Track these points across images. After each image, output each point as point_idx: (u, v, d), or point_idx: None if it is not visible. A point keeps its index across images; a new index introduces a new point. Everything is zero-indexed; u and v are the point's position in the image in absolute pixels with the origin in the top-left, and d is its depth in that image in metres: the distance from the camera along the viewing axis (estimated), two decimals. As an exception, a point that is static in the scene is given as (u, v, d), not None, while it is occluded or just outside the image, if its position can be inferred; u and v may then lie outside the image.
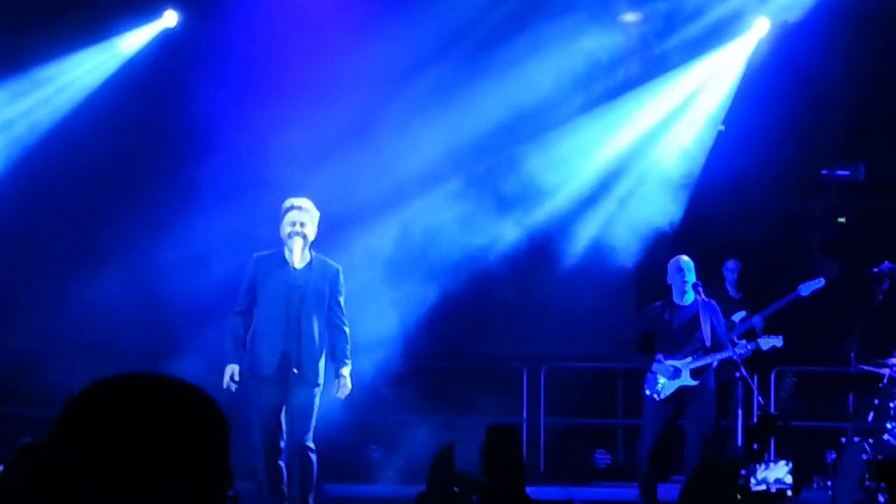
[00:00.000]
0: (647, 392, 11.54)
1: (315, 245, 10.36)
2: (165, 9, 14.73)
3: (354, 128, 13.85)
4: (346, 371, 10.20)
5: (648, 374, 11.55)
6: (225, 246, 13.11)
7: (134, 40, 14.79)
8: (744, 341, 11.76)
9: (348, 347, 10.27)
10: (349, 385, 10.22)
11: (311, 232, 10.25)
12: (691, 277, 11.54)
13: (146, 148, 14.70)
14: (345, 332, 10.28)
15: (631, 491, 12.10)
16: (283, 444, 10.11)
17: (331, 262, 10.39)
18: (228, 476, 2.24)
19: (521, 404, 14.69)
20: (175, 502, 2.17)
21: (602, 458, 14.73)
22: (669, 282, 11.69)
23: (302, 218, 10.21)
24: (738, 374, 11.91)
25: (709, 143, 14.71)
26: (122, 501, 2.14)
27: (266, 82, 14.02)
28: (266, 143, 13.79)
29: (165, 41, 14.81)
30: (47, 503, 2.17)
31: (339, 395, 10.27)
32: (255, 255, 10.42)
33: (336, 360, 10.22)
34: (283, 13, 13.99)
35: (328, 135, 13.71)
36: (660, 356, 11.47)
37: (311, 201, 10.33)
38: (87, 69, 14.76)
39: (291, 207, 10.26)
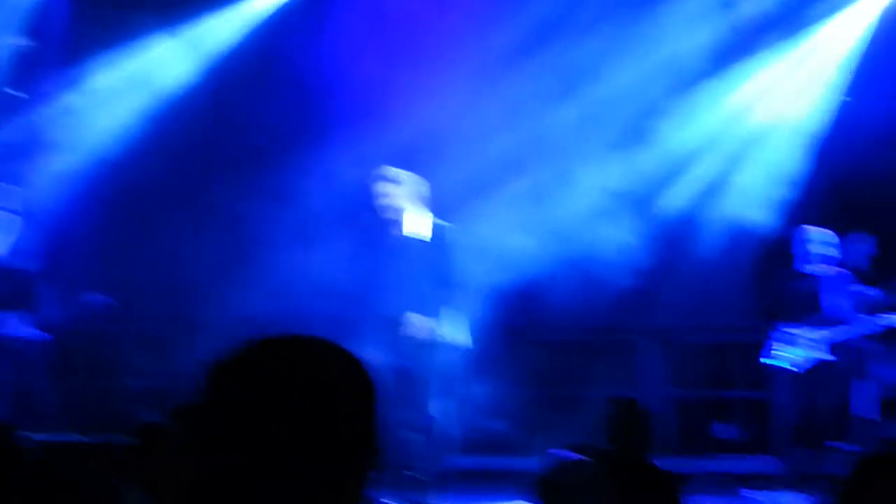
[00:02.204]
0: (775, 362, 11.40)
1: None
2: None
3: (462, 108, 13.83)
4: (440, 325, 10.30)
5: (771, 342, 11.39)
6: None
7: (250, 9, 14.93)
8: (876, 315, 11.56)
9: (458, 306, 10.30)
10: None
11: (413, 199, 10.36)
12: (821, 248, 11.37)
13: (259, 118, 14.79)
14: (454, 288, 10.34)
15: (753, 462, 11.98)
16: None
17: (437, 221, 10.54)
18: (376, 441, 2.25)
19: (637, 378, 14.58)
20: (326, 469, 2.18)
21: (722, 430, 14.59)
22: (796, 251, 11.54)
23: (399, 189, 10.35)
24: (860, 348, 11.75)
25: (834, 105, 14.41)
26: (274, 464, 2.14)
27: (403, 43, 14.04)
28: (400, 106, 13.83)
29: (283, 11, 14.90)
30: (202, 468, 2.18)
31: None
32: (364, 223, 10.59)
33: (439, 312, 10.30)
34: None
35: (437, 111, 13.72)
36: (783, 324, 11.32)
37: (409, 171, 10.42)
38: (204, 38, 14.91)
39: (386, 178, 10.41)
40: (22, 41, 14.69)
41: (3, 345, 12.62)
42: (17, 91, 14.80)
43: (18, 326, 12.87)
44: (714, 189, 14.21)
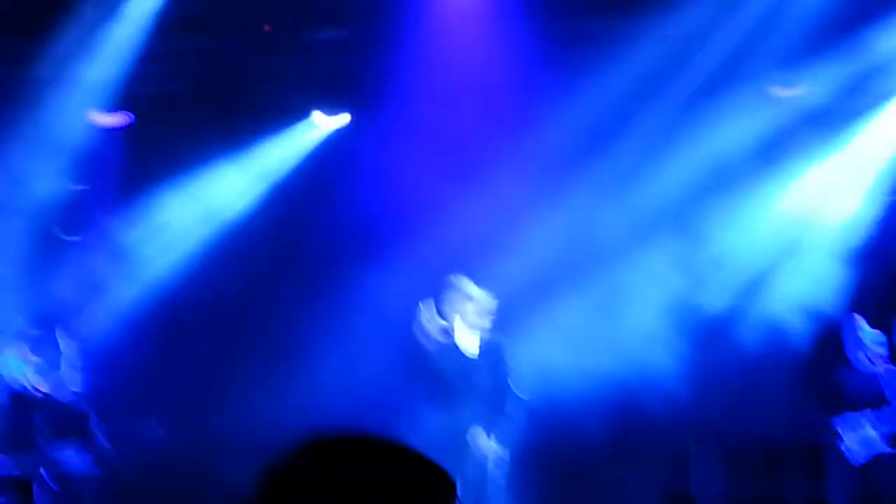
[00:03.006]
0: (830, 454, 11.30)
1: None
2: (325, 113, 15.13)
3: (512, 215, 13.94)
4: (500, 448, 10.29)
5: (830, 435, 11.29)
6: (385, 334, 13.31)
7: (299, 142, 15.21)
8: None
9: (516, 420, 10.32)
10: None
11: (477, 312, 10.39)
12: (873, 345, 11.32)
13: (304, 250, 14.95)
14: (513, 399, 10.36)
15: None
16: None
17: (494, 335, 10.52)
18: None
19: (688, 478, 14.46)
20: None
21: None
22: (847, 343, 11.47)
23: (467, 302, 10.36)
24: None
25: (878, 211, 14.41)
26: None
27: (452, 156, 14.17)
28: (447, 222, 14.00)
29: (326, 143, 15.16)
30: None
31: None
32: (422, 339, 10.58)
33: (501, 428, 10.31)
34: (467, 85, 14.14)
35: (486, 221, 13.84)
36: (840, 419, 11.25)
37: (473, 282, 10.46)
38: (246, 176, 15.18)
39: (454, 289, 10.41)
40: (75, 184, 14.97)
41: (59, 478, 12.76)
42: (69, 234, 15.06)
43: (74, 459, 13.02)
44: (762, 287, 14.19)
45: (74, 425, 13.33)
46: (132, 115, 14.82)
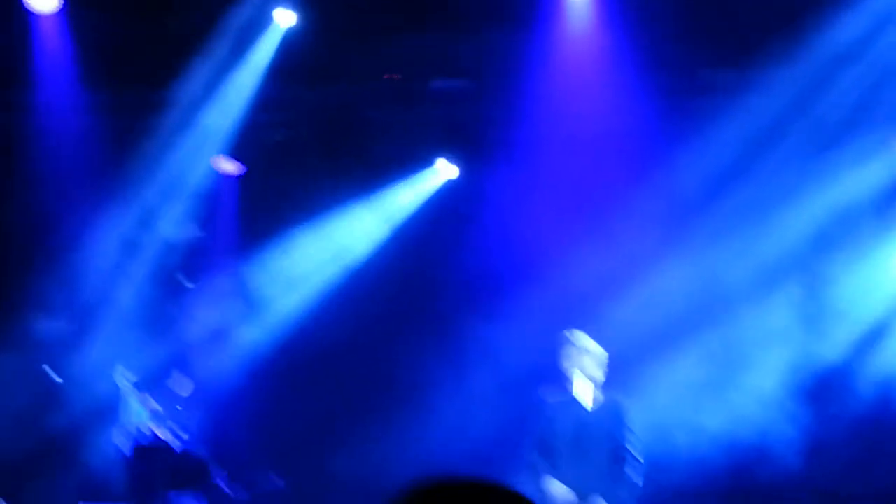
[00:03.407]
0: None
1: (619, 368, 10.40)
2: (443, 163, 15.15)
3: (632, 266, 13.84)
4: None
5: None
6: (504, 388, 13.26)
7: (414, 194, 15.25)
8: None
9: (634, 482, 10.19)
10: None
11: (595, 368, 10.28)
12: None
13: (425, 301, 14.96)
14: (630, 463, 10.21)
15: None
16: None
17: (615, 394, 10.40)
18: None
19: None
20: None
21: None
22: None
23: (585, 357, 10.26)
24: None
25: None
26: None
27: (573, 206, 14.11)
28: (546, 279, 13.92)
29: (443, 194, 15.19)
30: None
31: None
32: (547, 399, 10.48)
33: (619, 490, 10.17)
34: (555, 156, 14.11)
35: (606, 272, 13.76)
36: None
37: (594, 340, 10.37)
38: (369, 224, 15.24)
39: (573, 345, 10.32)
40: (198, 230, 15.15)
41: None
42: (191, 279, 15.23)
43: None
44: (885, 341, 13.95)
45: (196, 474, 13.44)
46: (251, 163, 14.96)
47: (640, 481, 10.32)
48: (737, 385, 13.73)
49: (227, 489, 13.56)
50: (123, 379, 13.04)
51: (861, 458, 13.96)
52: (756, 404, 13.64)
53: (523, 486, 10.15)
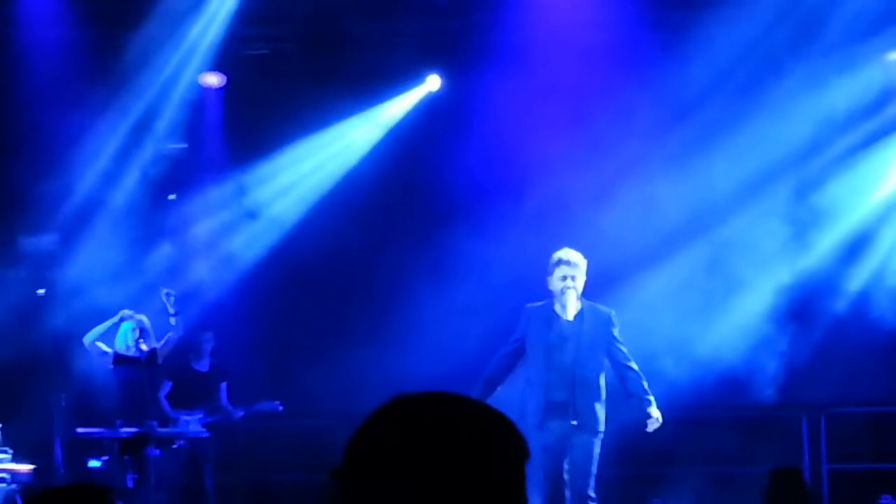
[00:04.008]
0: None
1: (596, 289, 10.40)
2: (429, 74, 15.11)
3: (621, 175, 13.86)
4: (652, 410, 10.19)
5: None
6: (490, 301, 13.30)
7: (400, 105, 15.23)
8: None
9: (644, 383, 10.26)
10: (659, 419, 10.21)
11: (581, 283, 10.30)
12: None
13: (411, 212, 14.98)
14: (633, 369, 10.29)
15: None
16: (567, 495, 10.14)
17: (602, 307, 10.43)
18: (519, 500, 2.18)
19: (801, 453, 14.34)
20: None
21: (888, 503, 14.30)
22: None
23: (572, 272, 10.26)
24: None
25: None
26: None
27: (531, 126, 14.05)
28: (534, 190, 13.94)
29: (430, 104, 15.16)
30: None
31: (649, 429, 10.27)
32: (526, 305, 10.52)
33: (635, 398, 10.24)
34: (542, 66, 14.06)
35: (595, 182, 13.78)
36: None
37: (580, 252, 10.38)
38: (358, 134, 15.24)
39: (560, 262, 10.30)
40: (181, 143, 15.15)
41: (178, 442, 13.01)
42: (172, 194, 15.27)
43: (194, 425, 13.24)
44: (879, 264, 14.01)
45: (195, 394, 13.57)
46: (235, 76, 14.92)
47: (643, 382, 10.29)
48: (724, 300, 13.78)
49: (226, 406, 13.69)
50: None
51: (863, 371, 14.13)
52: (743, 320, 13.71)
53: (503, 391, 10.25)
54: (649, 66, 13.99)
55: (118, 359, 12.81)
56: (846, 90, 13.84)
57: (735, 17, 13.69)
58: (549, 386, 10.09)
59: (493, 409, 2.23)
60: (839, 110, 13.90)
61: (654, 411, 10.18)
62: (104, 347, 12.86)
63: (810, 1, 13.77)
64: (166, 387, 13.60)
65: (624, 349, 10.30)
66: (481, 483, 2.13)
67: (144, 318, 12.91)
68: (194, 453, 13.32)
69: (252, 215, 15.15)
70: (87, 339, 12.88)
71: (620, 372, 10.26)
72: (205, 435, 13.27)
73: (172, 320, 12.89)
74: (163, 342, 12.99)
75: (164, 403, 13.51)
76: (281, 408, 13.63)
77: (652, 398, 10.22)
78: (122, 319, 12.88)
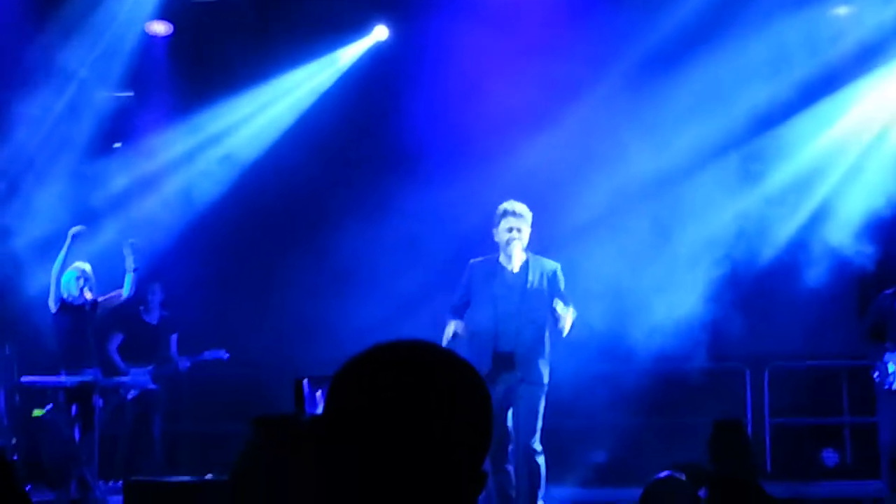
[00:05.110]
0: (879, 382, 11.27)
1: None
2: (376, 24, 15.06)
3: (569, 128, 13.86)
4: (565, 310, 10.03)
5: (879, 364, 11.27)
6: (434, 249, 13.33)
7: (347, 55, 15.17)
8: None
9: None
10: (568, 320, 10.05)
11: (527, 235, 10.30)
12: None
13: (359, 160, 14.95)
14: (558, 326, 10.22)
15: (861, 487, 11.84)
16: (510, 448, 10.17)
17: (547, 260, 10.42)
18: (486, 449, 2.23)
19: (744, 405, 14.48)
20: (438, 474, 2.17)
21: (830, 456, 14.47)
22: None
23: (518, 224, 10.24)
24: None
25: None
26: (385, 472, 2.15)
27: (476, 89, 14.03)
28: (479, 141, 13.93)
29: (377, 54, 15.11)
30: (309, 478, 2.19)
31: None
32: (470, 261, 10.52)
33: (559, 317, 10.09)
34: (491, 18, 13.99)
35: (539, 140, 13.79)
36: (890, 345, 11.21)
37: (525, 205, 10.37)
38: (305, 83, 15.18)
39: (506, 213, 10.28)
40: (121, 93, 15.06)
41: (130, 393, 13.01)
42: (118, 142, 15.17)
43: (142, 377, 13.23)
44: (818, 217, 14.08)
45: (143, 346, 13.55)
46: (184, 24, 14.82)
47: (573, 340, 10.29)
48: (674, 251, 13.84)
49: (175, 356, 13.69)
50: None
51: (805, 325, 14.26)
52: (694, 273, 13.76)
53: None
54: (599, 21, 13.91)
55: (63, 306, 12.72)
56: (796, 46, 13.86)
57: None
58: (497, 337, 10.10)
59: (464, 359, 2.28)
60: (791, 63, 13.90)
61: (565, 312, 10.03)
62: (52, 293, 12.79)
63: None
64: (116, 339, 13.58)
65: (567, 302, 10.24)
66: (458, 431, 2.18)
67: (87, 267, 12.81)
68: (143, 404, 13.34)
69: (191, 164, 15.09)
70: (54, 270, 12.74)
71: (557, 318, 10.19)
72: (152, 387, 13.27)
73: (128, 277, 12.77)
74: (107, 297, 12.87)
75: (116, 356, 13.50)
76: (227, 356, 13.64)
77: (570, 307, 10.09)
78: (73, 238, 12.72)
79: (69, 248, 12.63)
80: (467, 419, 2.19)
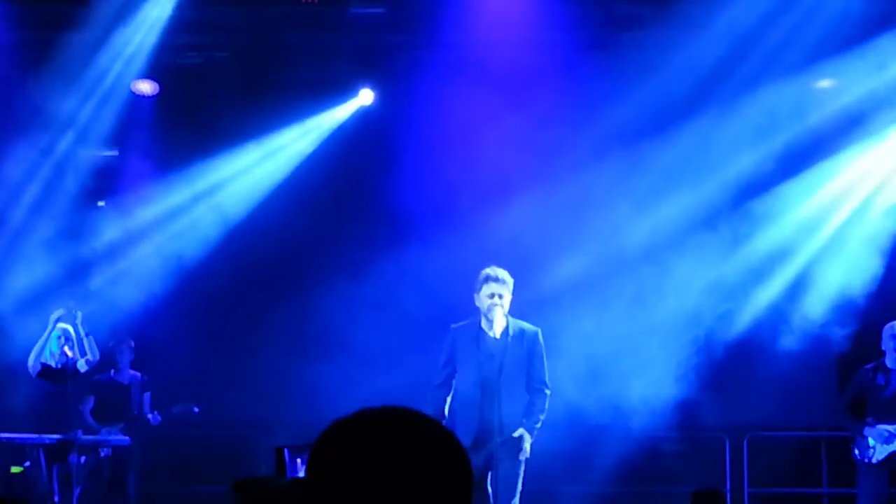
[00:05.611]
0: (858, 456, 11.30)
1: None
2: (362, 87, 15.10)
3: (550, 194, 13.90)
4: (525, 440, 10.15)
5: (859, 438, 11.31)
6: (419, 316, 13.31)
7: (332, 118, 15.20)
8: None
9: (541, 413, 10.24)
10: (526, 453, 10.19)
11: (508, 301, 10.32)
12: None
13: (341, 223, 14.95)
14: (542, 393, 10.30)
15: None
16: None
17: (528, 326, 10.44)
18: None
19: (724, 474, 14.44)
20: None
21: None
22: (884, 347, 11.47)
23: (500, 290, 10.27)
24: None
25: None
26: None
27: (460, 152, 14.07)
28: (461, 207, 13.97)
29: (362, 117, 15.15)
30: None
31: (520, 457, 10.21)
32: (452, 326, 10.54)
33: (526, 419, 10.22)
34: (475, 84, 14.04)
35: (522, 204, 13.82)
36: (870, 420, 11.25)
37: (507, 271, 10.40)
38: (290, 145, 15.19)
39: (488, 278, 10.32)
40: (106, 152, 15.07)
41: (103, 451, 12.97)
42: (101, 201, 15.18)
43: (116, 435, 13.19)
44: (797, 287, 14.11)
45: (118, 403, 13.51)
46: (169, 84, 14.85)
47: (544, 411, 10.30)
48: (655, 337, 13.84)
49: (147, 413, 13.63)
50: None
51: (778, 396, 14.25)
52: (666, 342, 13.76)
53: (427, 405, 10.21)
54: (585, 86, 13.98)
55: (43, 369, 12.73)
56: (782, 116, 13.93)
57: (671, 49, 13.73)
58: (482, 404, 10.12)
59: (446, 428, 2.30)
60: (776, 133, 13.97)
61: (527, 444, 10.17)
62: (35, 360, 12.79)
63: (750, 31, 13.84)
64: (89, 402, 13.54)
65: (543, 370, 10.32)
66: (438, 499, 2.20)
67: (69, 327, 12.83)
68: (117, 461, 13.27)
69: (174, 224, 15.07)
70: (31, 360, 12.78)
71: (531, 391, 10.24)
72: (126, 442, 13.21)
73: (86, 342, 12.80)
74: (78, 365, 12.88)
75: (89, 418, 13.45)
76: (196, 409, 13.59)
77: (534, 430, 10.21)
78: (55, 322, 12.78)
79: (50, 332, 12.72)
80: (448, 488, 2.20)
